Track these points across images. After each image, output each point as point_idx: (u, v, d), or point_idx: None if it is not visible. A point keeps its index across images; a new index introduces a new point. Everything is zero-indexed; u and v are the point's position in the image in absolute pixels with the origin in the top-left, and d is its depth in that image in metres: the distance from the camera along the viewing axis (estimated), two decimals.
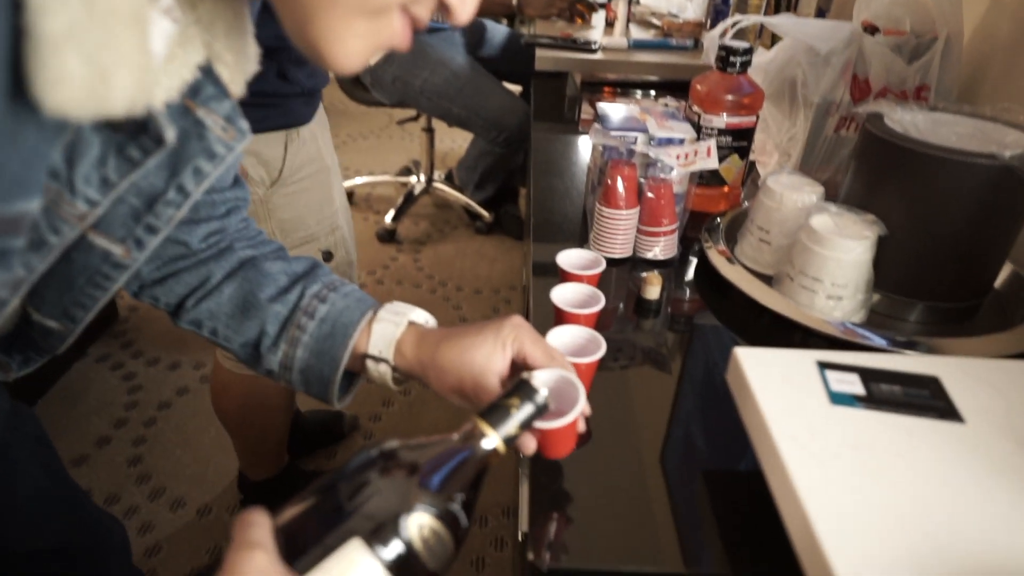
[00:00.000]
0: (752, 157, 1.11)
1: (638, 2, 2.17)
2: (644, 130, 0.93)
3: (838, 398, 0.56)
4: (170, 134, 0.44)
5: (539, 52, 1.70)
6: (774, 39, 1.31)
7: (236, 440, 1.43)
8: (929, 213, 0.77)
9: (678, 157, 0.88)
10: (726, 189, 1.08)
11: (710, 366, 0.77)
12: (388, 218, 2.64)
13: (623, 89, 1.63)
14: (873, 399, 0.56)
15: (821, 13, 1.45)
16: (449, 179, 2.84)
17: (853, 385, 0.57)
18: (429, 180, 2.77)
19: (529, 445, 0.54)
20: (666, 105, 1.05)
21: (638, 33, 1.96)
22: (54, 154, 0.41)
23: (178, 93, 0.45)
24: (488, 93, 2.22)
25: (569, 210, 1.09)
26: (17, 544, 0.73)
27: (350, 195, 2.90)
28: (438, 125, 2.66)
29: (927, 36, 1.01)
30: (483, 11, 2.13)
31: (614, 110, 0.99)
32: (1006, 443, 0.52)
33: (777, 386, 0.57)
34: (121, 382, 1.85)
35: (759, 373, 0.58)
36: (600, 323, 0.74)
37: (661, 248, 0.93)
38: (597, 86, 1.63)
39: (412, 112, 2.62)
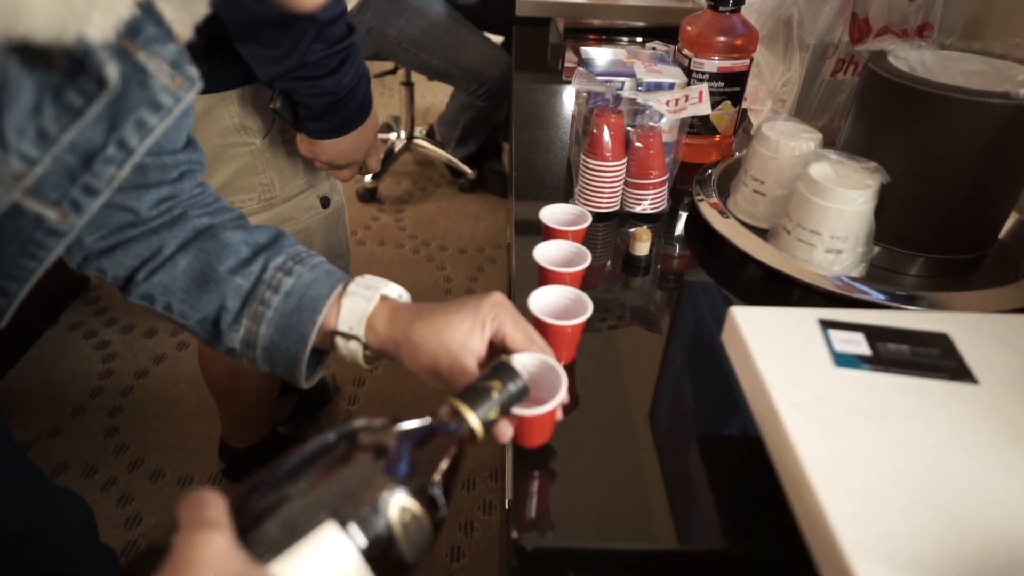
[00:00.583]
0: (744, 105, 1.05)
1: None
2: (631, 75, 0.87)
3: (842, 359, 0.52)
4: (112, 72, 0.38)
5: None
6: None
7: (222, 406, 1.39)
8: (936, 158, 0.72)
9: (668, 103, 0.83)
10: (717, 139, 1.03)
11: (702, 326, 0.73)
12: (368, 177, 2.57)
13: (609, 36, 1.56)
14: (880, 360, 0.52)
15: None
16: (431, 135, 2.75)
17: (858, 345, 0.53)
18: (410, 137, 2.68)
19: (505, 432, 0.50)
20: (654, 49, 0.99)
21: None
22: None
23: (114, 32, 0.39)
24: (468, 43, 2.13)
25: (553, 163, 1.03)
26: None
27: None
28: (418, 79, 2.56)
29: None
30: None
31: (599, 54, 0.93)
32: None
33: (777, 347, 0.53)
34: (95, 350, 1.79)
35: (757, 333, 0.54)
36: (586, 282, 0.70)
37: (650, 201, 0.88)
38: (581, 33, 1.55)
39: (389, 65, 2.51)
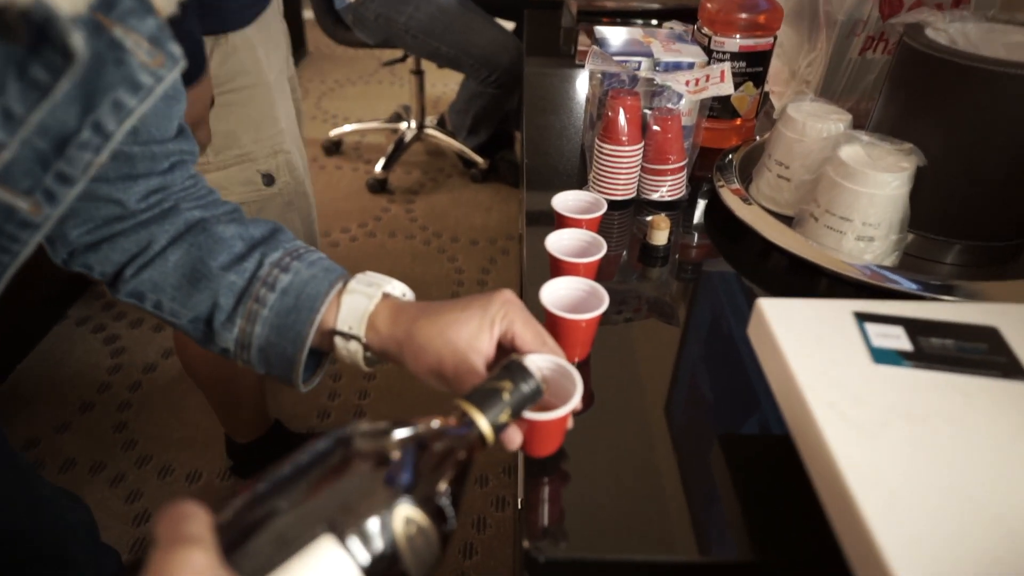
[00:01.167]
0: (765, 88, 1.00)
1: None
2: (649, 54, 0.82)
3: (881, 355, 0.48)
4: (78, 42, 0.35)
5: None
6: None
7: (211, 401, 1.37)
8: (978, 138, 0.68)
9: (688, 83, 0.78)
10: (738, 122, 0.98)
11: (724, 319, 0.69)
12: (378, 167, 2.53)
13: (624, 19, 1.51)
14: (923, 355, 0.48)
15: None
16: (441, 125, 2.72)
17: (898, 339, 0.49)
18: (420, 126, 2.64)
19: (514, 439, 0.47)
20: (672, 28, 0.94)
21: None
22: None
23: (86, 4, 0.36)
24: (478, 29, 2.08)
25: (566, 149, 0.99)
26: None
27: (338, 144, 2.78)
28: (428, 67, 2.52)
29: None
30: None
31: (615, 34, 0.88)
32: None
33: (809, 343, 0.49)
34: (103, 345, 1.78)
35: (787, 327, 0.50)
36: (601, 273, 0.66)
37: (668, 188, 0.84)
38: (595, 16, 1.51)
39: (399, 53, 2.47)
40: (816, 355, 0.48)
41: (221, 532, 0.32)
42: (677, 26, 0.96)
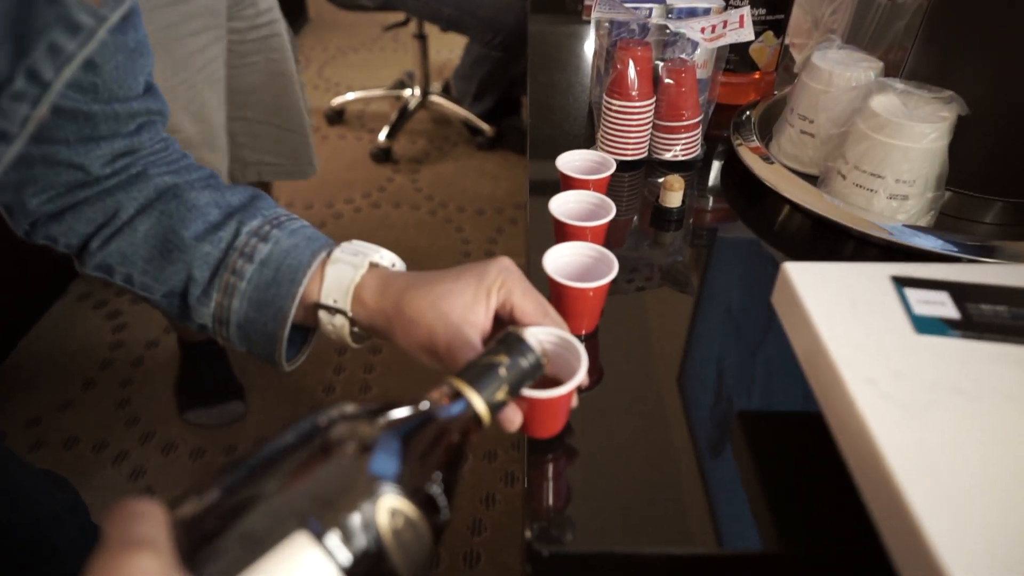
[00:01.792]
0: (786, 40, 0.94)
1: None
2: (660, 0, 0.76)
3: (925, 324, 0.43)
4: None
5: None
6: None
7: None
8: None
9: (703, 30, 0.72)
10: (757, 75, 0.92)
11: (743, 286, 0.64)
12: (382, 136, 2.47)
13: None
14: (972, 324, 0.42)
15: None
16: (447, 92, 2.64)
17: (943, 306, 0.44)
18: (425, 93, 2.57)
19: (513, 420, 0.42)
20: None
21: None
22: None
23: None
24: None
25: (573, 108, 0.93)
26: None
27: (340, 113, 2.71)
28: (431, 31, 2.44)
29: None
30: None
31: None
32: None
33: (842, 311, 0.44)
34: (105, 321, 1.75)
35: (817, 294, 0.45)
36: (610, 239, 0.61)
37: (682, 147, 0.78)
38: None
39: (400, 16, 2.39)
40: (850, 325, 0.43)
41: (182, 531, 0.28)
42: None
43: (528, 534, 0.42)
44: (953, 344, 0.41)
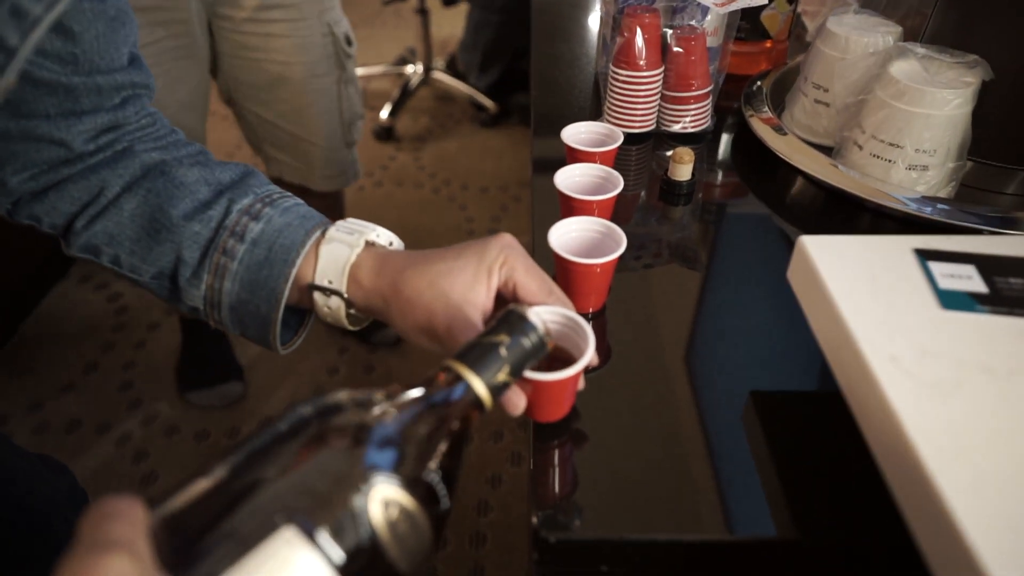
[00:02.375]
0: (798, 8, 0.90)
1: None
2: None
3: (951, 299, 0.40)
4: None
5: None
6: None
7: None
8: None
9: None
10: (769, 44, 0.89)
11: (755, 261, 0.61)
12: (384, 114, 2.43)
13: None
14: (1001, 299, 0.40)
15: None
16: (450, 68, 2.60)
17: (969, 280, 0.42)
18: (427, 69, 2.53)
19: (517, 403, 0.40)
20: None
21: None
22: None
23: None
24: None
25: (579, 80, 0.90)
26: None
27: None
28: (433, 7, 2.40)
29: None
30: None
31: None
32: None
33: (863, 286, 0.41)
34: (107, 303, 1.73)
35: (836, 269, 0.43)
36: (617, 214, 0.59)
37: (691, 118, 0.75)
38: None
39: None
40: (872, 300, 0.40)
41: (164, 531, 0.26)
42: None
43: (535, 520, 0.41)
44: (981, 320, 0.39)
